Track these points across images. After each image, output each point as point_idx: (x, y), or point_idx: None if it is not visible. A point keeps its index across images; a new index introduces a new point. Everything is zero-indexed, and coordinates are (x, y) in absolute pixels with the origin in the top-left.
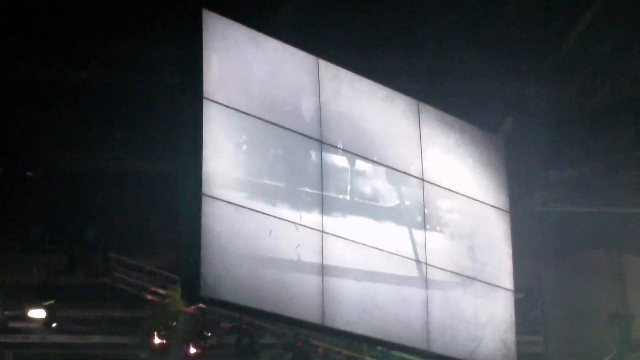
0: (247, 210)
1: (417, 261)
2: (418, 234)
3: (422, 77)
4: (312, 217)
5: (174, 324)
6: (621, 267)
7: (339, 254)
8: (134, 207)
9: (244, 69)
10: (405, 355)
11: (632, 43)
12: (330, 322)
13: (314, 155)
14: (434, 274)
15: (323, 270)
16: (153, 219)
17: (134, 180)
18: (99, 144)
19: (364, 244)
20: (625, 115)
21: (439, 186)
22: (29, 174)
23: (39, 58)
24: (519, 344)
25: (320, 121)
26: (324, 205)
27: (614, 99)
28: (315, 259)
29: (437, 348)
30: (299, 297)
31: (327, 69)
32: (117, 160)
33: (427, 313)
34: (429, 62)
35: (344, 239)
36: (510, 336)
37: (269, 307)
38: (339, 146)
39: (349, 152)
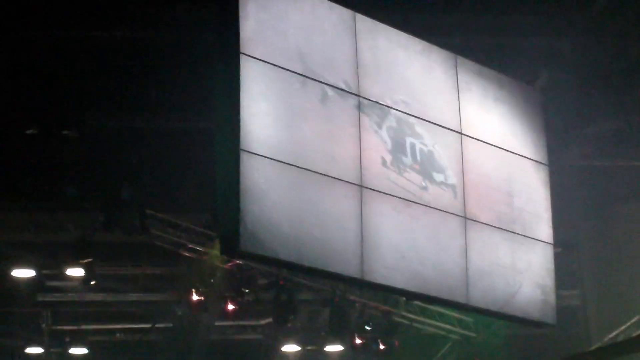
0: (284, 165)
1: (455, 214)
2: (457, 186)
3: (457, 32)
4: (350, 171)
5: (212, 280)
6: None
7: (377, 207)
8: (171, 165)
9: (281, 24)
10: (443, 310)
11: None
12: (369, 272)
13: (351, 108)
14: (472, 225)
15: (362, 223)
16: (189, 176)
17: (170, 138)
18: (135, 103)
19: (402, 197)
20: None
21: (476, 139)
22: (65, 132)
23: (74, 17)
24: (556, 297)
25: (357, 75)
26: (362, 159)
27: None
28: (353, 212)
29: (476, 296)
30: (337, 250)
31: (364, 22)
32: (153, 118)
33: (466, 259)
34: (464, 16)
35: (382, 192)
36: (549, 282)
37: (308, 261)
38: (376, 100)
39: (387, 106)
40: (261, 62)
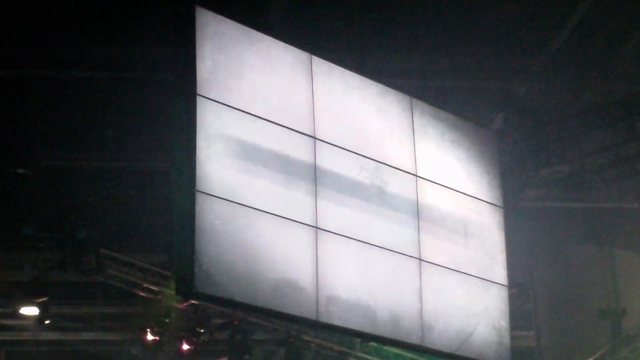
0: (240, 206)
1: (410, 256)
2: (411, 228)
3: (413, 75)
4: (306, 213)
5: (167, 320)
6: (612, 261)
7: (333, 249)
8: (126, 205)
9: (237, 66)
10: (398, 351)
11: (622, 40)
12: (324, 313)
13: (307, 151)
14: (427, 267)
15: (317, 264)
16: (145, 216)
17: (126, 177)
18: (91, 143)
19: (357, 239)
20: (616, 112)
21: (432, 182)
22: (20, 171)
23: (31, 57)
24: (511, 338)
25: (313, 118)
26: (317, 201)
27: (605, 96)
28: (309, 254)
29: (431, 337)
30: (293, 291)
31: (320, 65)
32: (109, 158)
33: (421, 300)
34: (420, 59)
35: (338, 234)
36: (504, 324)
37: (263, 302)
38: (332, 142)
39: (342, 148)
40: (217, 103)
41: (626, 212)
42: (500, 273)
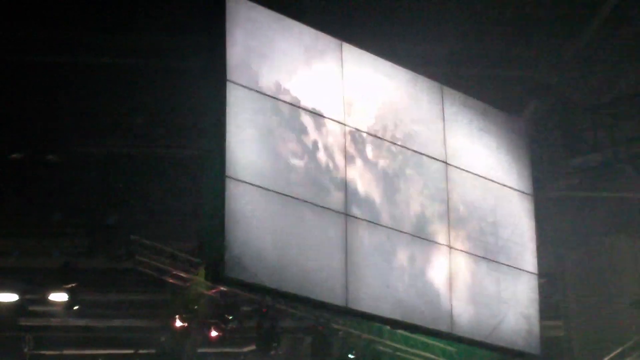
0: (270, 192)
1: (440, 243)
2: (441, 216)
3: (445, 62)
4: (336, 199)
5: (195, 307)
6: None
7: (362, 236)
8: (156, 191)
9: (268, 52)
10: (427, 339)
11: None
12: (353, 300)
13: (338, 137)
14: (457, 255)
15: (347, 251)
16: (175, 202)
17: (157, 164)
18: (121, 129)
19: (387, 226)
20: None
21: (462, 169)
22: (50, 157)
23: (62, 42)
24: (540, 327)
25: (343, 104)
26: (347, 187)
27: (638, 85)
28: (338, 240)
29: (460, 325)
30: (322, 278)
31: (351, 52)
32: (139, 144)
33: (451, 288)
34: (452, 47)
35: (367, 221)
36: (534, 312)
37: (292, 289)
38: (362, 129)
39: (373, 135)
40: (247, 89)
41: None
42: (530, 261)
